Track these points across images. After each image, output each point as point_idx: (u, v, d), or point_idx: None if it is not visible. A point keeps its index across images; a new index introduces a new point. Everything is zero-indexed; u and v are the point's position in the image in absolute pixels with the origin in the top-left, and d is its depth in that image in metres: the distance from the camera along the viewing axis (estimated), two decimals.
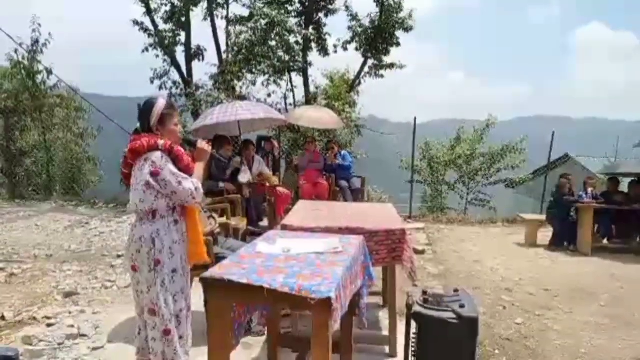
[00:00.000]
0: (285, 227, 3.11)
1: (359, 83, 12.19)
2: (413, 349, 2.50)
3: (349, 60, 12.29)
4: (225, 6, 11.04)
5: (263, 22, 10.23)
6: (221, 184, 5.68)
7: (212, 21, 10.90)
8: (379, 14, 11.37)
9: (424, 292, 2.54)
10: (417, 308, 2.44)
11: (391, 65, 11.95)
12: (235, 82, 10.31)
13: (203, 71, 12.13)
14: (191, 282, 2.56)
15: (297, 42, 11.17)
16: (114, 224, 7.51)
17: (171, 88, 10.80)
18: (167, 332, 2.36)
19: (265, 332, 3.11)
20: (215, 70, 10.69)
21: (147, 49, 10.72)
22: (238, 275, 1.88)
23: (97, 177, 12.85)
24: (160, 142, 2.37)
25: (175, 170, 2.36)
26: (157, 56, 10.77)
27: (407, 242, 3.19)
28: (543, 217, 7.84)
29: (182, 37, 10.83)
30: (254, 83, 11.07)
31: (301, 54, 11.31)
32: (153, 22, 10.70)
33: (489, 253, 6.68)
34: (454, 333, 2.33)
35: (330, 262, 2.11)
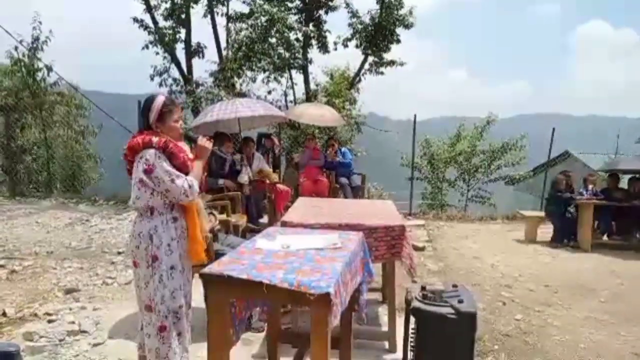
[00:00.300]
0: (284, 224, 3.12)
1: (359, 80, 12.19)
2: (412, 344, 2.51)
3: (349, 58, 12.30)
4: (226, 3, 11.01)
5: (263, 19, 10.23)
6: (220, 181, 5.69)
7: (212, 18, 10.89)
8: (379, 10, 11.36)
9: (423, 288, 2.55)
10: (415, 303, 2.45)
11: (391, 63, 11.94)
12: (235, 79, 10.31)
13: (203, 68, 12.15)
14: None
15: (297, 39, 11.17)
16: (114, 221, 7.53)
17: (171, 85, 10.80)
18: (162, 329, 2.37)
19: (265, 328, 3.12)
20: (215, 67, 10.70)
21: (147, 46, 10.70)
22: (237, 271, 1.88)
23: (98, 174, 12.86)
24: (155, 139, 2.36)
25: (168, 167, 2.35)
26: (157, 53, 10.77)
27: (406, 238, 3.20)
28: (543, 213, 7.85)
29: (182, 34, 10.81)
30: (254, 80, 11.10)
31: (301, 51, 11.31)
32: (153, 19, 10.67)
33: (488, 250, 6.70)
34: (452, 328, 2.34)
35: (329, 258, 2.12)
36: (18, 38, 9.76)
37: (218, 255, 2.75)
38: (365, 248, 2.67)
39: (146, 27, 10.67)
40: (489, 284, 5.05)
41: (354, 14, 11.62)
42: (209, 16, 10.89)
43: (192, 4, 10.58)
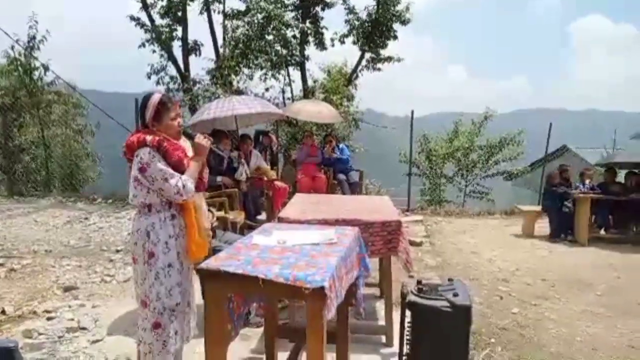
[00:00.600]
0: (281, 220, 3.13)
1: (357, 76, 12.15)
2: (407, 337, 2.53)
3: (347, 54, 12.27)
4: (222, 0, 11.00)
5: (260, 16, 10.20)
6: (219, 179, 5.69)
7: (209, 15, 10.85)
8: (376, 6, 11.32)
9: (419, 282, 2.56)
10: (411, 297, 2.46)
11: (389, 59, 11.90)
12: (233, 76, 10.29)
13: (200, 66, 12.10)
14: None
15: (294, 36, 11.13)
16: (113, 219, 7.54)
17: (168, 83, 10.76)
18: (156, 326, 2.37)
19: (263, 323, 3.14)
20: (212, 65, 10.67)
21: (144, 44, 10.67)
22: (234, 267, 1.90)
23: (96, 173, 12.86)
24: (149, 138, 2.36)
25: (162, 166, 2.34)
26: (154, 51, 10.73)
27: (402, 233, 3.22)
28: (540, 208, 7.88)
29: (179, 31, 10.78)
30: (251, 77, 11.07)
31: (298, 47, 11.27)
32: (150, 17, 10.64)
33: (486, 244, 6.72)
34: (447, 321, 2.36)
35: (325, 253, 2.14)
36: (14, 37, 9.77)
37: (215, 251, 2.77)
38: (361, 243, 2.68)
39: (143, 25, 10.64)
40: (486, 279, 5.07)
41: (350, 10, 11.58)
42: (205, 13, 10.86)
43: (188, 1, 10.54)
